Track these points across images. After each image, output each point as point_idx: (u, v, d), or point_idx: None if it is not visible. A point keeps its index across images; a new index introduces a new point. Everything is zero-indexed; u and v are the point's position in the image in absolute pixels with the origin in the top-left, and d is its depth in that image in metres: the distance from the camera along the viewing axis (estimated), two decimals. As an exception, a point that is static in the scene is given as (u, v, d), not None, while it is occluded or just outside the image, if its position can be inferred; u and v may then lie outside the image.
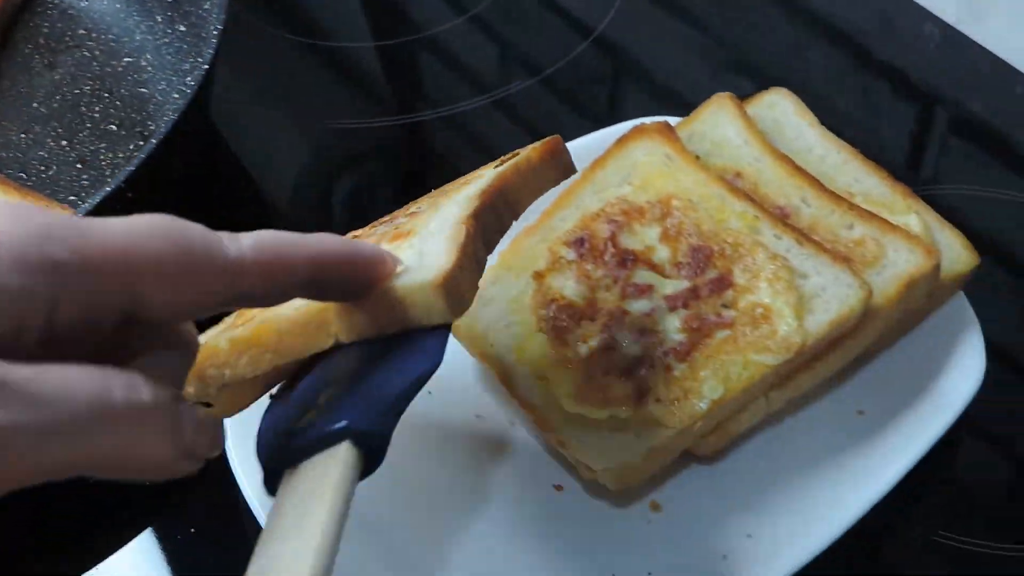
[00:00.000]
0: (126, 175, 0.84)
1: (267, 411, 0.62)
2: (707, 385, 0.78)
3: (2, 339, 0.45)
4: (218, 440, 0.52)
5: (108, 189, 0.83)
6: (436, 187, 0.80)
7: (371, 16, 1.28)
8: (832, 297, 0.80)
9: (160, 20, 1.10)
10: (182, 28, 1.08)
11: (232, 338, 0.64)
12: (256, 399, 0.67)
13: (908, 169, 1.09)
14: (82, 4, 1.14)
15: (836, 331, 0.80)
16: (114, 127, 1.05)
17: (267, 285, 0.54)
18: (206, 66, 0.91)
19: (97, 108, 1.06)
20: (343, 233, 0.71)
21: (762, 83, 0.99)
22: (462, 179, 0.76)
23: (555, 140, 0.74)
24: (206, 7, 1.04)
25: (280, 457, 0.56)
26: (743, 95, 0.97)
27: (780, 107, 0.95)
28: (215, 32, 0.95)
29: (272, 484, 0.56)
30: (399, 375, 0.58)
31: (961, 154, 1.11)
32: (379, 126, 1.14)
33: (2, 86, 1.09)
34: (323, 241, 0.57)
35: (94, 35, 1.12)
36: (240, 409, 0.68)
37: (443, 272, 0.60)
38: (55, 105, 1.07)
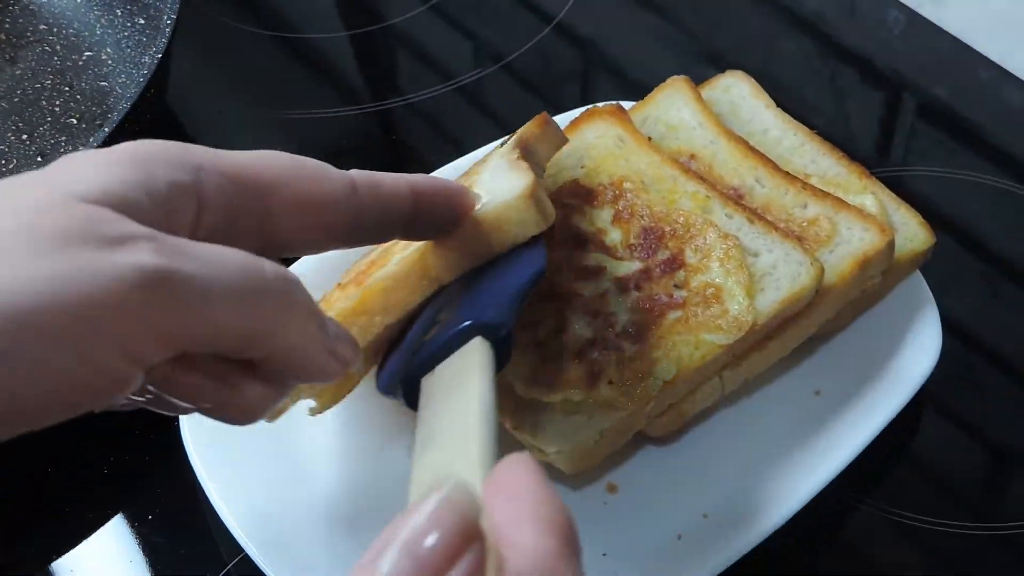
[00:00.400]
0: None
1: (380, 365, 0.67)
2: (659, 366, 0.78)
3: (158, 227, 0.48)
4: (357, 352, 0.56)
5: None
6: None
7: (336, 6, 1.28)
8: (783, 275, 0.80)
9: (120, 14, 1.10)
10: (141, 21, 1.08)
11: (340, 311, 0.67)
12: (359, 381, 0.71)
13: (877, 155, 1.09)
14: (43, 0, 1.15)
15: (788, 309, 0.80)
16: (74, 120, 1.05)
17: (378, 212, 0.58)
18: (159, 55, 0.91)
19: (58, 102, 1.06)
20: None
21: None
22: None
23: (543, 116, 0.81)
24: (163, -1, 1.03)
25: (413, 370, 0.60)
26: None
27: (736, 89, 0.95)
28: (168, 22, 0.95)
29: (412, 397, 0.60)
30: (511, 279, 0.64)
31: (927, 138, 1.11)
32: (345, 115, 1.14)
33: (-37, 83, 1.09)
34: (414, 175, 0.62)
35: (55, 30, 1.12)
36: (344, 395, 0.71)
37: (528, 185, 0.66)
38: (16, 100, 1.06)
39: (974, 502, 0.87)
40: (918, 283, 0.88)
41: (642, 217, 0.83)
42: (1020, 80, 1.14)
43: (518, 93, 1.15)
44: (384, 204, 0.58)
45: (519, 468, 0.45)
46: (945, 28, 1.18)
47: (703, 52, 1.20)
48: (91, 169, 0.49)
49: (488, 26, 1.22)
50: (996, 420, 0.90)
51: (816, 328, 0.84)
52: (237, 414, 0.54)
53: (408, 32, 1.21)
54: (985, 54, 1.16)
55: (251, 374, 0.53)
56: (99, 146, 0.85)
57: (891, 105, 1.15)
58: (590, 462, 0.79)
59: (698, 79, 0.95)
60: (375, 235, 0.60)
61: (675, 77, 0.94)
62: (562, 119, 0.94)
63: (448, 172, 0.91)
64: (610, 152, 0.87)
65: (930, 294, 0.87)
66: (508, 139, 0.81)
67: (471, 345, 0.58)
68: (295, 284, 0.51)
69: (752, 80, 0.96)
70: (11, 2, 1.14)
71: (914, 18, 1.20)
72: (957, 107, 1.13)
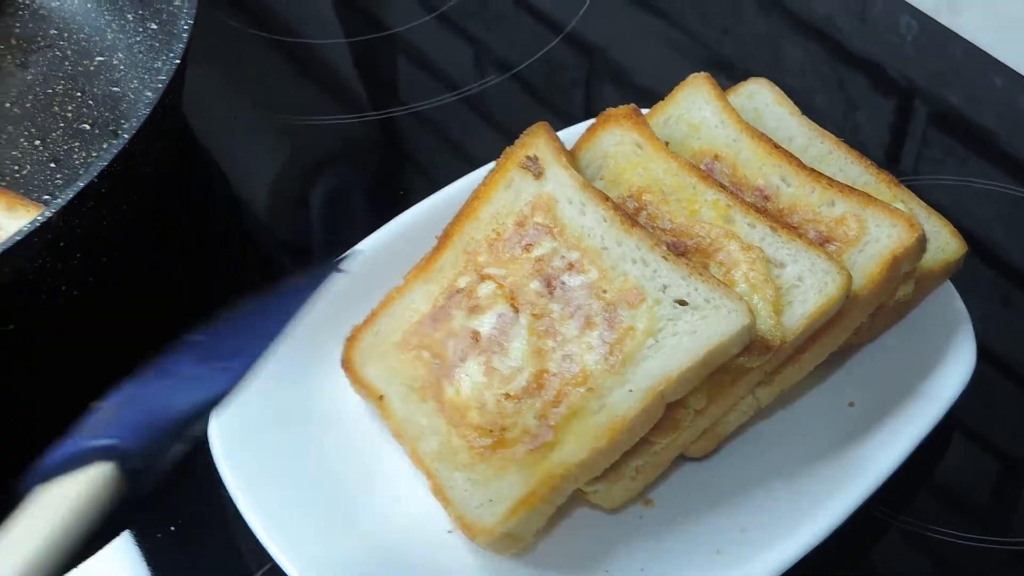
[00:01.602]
0: (99, 170, 0.83)
1: None
2: (692, 396, 0.76)
3: None
4: None
5: (81, 185, 0.82)
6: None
7: (341, 14, 1.27)
8: (810, 287, 0.78)
9: (131, 19, 1.09)
10: (153, 26, 1.07)
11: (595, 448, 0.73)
12: None
13: (889, 162, 1.09)
14: (53, 4, 1.14)
15: (817, 323, 0.78)
16: (87, 126, 1.04)
17: None
18: (177, 61, 0.90)
19: (70, 107, 1.06)
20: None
21: (738, 78, 0.98)
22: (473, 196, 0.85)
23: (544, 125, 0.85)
24: (176, 4, 1.03)
25: (31, 477, 0.54)
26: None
27: (760, 97, 0.94)
28: (185, 28, 0.94)
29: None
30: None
31: (939, 146, 1.11)
32: (350, 122, 1.13)
33: (-27, 88, 1.08)
34: None
35: (66, 35, 1.12)
36: None
37: (749, 322, 0.74)
38: (28, 105, 1.06)
39: (1001, 517, 0.86)
40: (950, 293, 0.88)
41: (664, 232, 0.82)
42: (1036, 87, 1.14)
43: (527, 103, 1.15)
44: None
45: None
46: (960, 34, 1.18)
47: (712, 59, 1.19)
48: None
49: (495, 36, 1.21)
50: (1011, 431, 0.90)
51: (850, 333, 0.82)
52: None
53: (414, 41, 1.20)
54: (1000, 59, 1.15)
55: None
56: (118, 154, 0.84)
57: (902, 112, 1.15)
58: (628, 497, 0.78)
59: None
60: None
61: (696, 75, 0.93)
62: (576, 130, 0.93)
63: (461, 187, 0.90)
64: (628, 161, 0.85)
65: (962, 305, 0.87)
66: (511, 150, 0.83)
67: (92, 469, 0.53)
68: None
69: (776, 87, 0.95)
70: (21, 7, 1.13)
71: (927, 24, 1.19)
72: (970, 114, 1.13)
